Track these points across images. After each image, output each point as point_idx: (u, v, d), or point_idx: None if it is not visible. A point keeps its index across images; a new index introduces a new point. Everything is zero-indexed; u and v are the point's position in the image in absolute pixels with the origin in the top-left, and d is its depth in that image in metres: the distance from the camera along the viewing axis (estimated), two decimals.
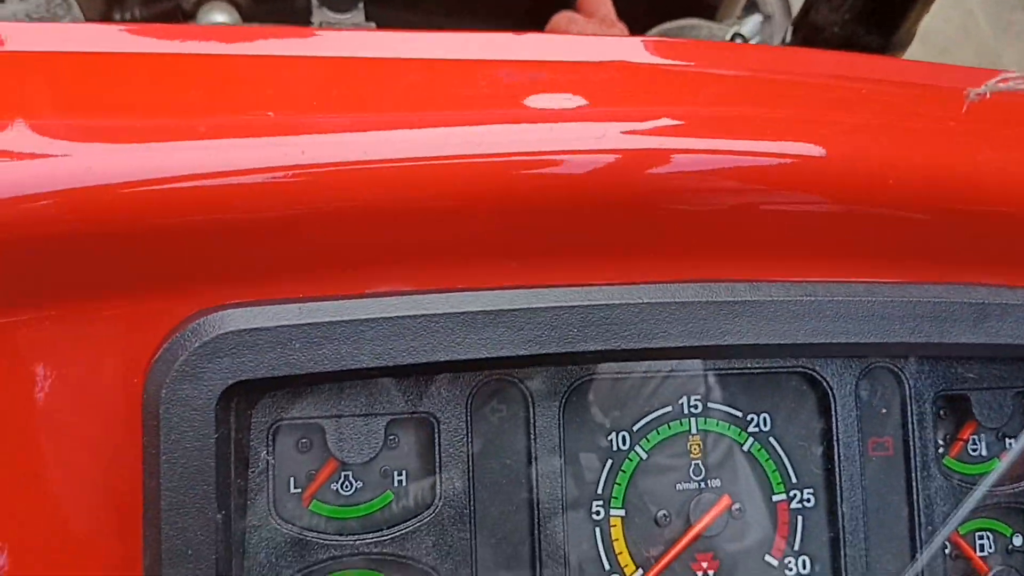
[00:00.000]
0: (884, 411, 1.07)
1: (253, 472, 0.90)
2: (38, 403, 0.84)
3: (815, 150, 0.94)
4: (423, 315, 0.87)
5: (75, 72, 0.89)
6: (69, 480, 0.85)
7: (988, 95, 0.55)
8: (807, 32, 1.43)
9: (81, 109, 0.85)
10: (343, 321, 0.85)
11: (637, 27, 1.32)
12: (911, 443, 1.07)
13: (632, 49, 1.04)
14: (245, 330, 0.83)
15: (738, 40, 1.35)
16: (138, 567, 0.85)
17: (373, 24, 1.27)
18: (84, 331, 0.85)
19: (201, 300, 0.86)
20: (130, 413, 0.84)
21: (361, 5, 1.30)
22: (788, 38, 1.46)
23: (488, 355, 0.88)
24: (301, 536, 0.91)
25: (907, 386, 1.07)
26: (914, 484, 1.07)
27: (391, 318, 0.86)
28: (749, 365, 1.04)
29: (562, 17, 1.28)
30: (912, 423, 1.07)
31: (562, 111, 0.92)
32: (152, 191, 0.81)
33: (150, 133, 0.83)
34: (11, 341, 0.83)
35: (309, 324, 0.85)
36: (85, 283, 0.84)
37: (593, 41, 1.05)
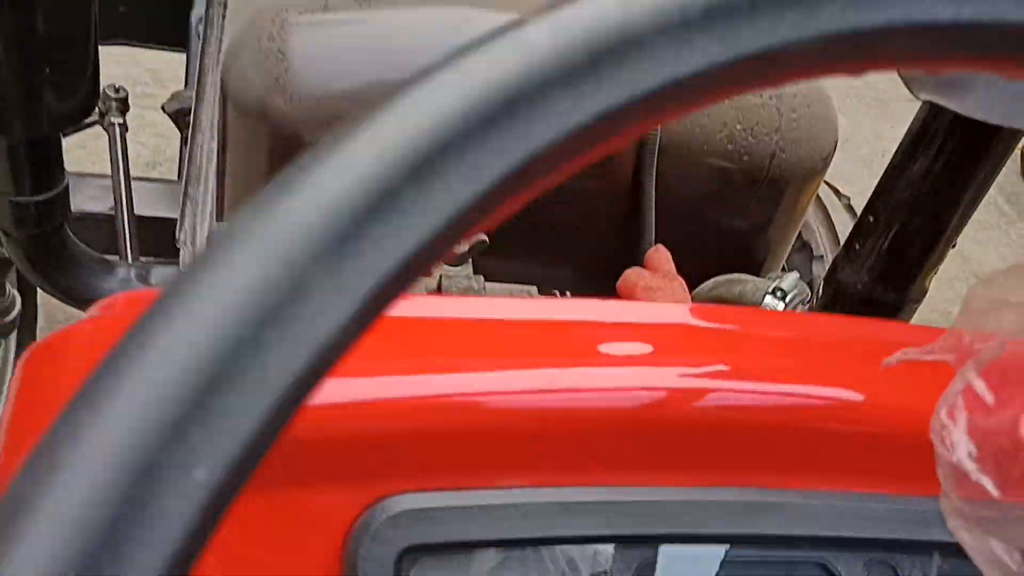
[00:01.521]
0: None
1: None
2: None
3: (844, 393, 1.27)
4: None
5: None
6: None
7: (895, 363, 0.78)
8: (835, 288, 1.76)
9: None
10: (496, 504, 1.17)
11: (691, 281, 1.65)
12: None
13: (686, 314, 1.39)
14: (418, 509, 1.16)
15: (778, 294, 1.66)
16: None
17: (481, 277, 1.50)
18: (298, 512, 1.19)
19: (378, 490, 1.20)
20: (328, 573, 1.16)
21: (469, 260, 1.55)
22: (820, 293, 1.80)
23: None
24: None
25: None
26: None
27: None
28: (769, 557, 1.29)
29: (632, 272, 1.65)
30: None
31: (632, 357, 1.27)
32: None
33: None
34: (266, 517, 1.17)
35: (475, 507, 1.17)
36: (301, 473, 1.19)
37: (658, 307, 1.41)
